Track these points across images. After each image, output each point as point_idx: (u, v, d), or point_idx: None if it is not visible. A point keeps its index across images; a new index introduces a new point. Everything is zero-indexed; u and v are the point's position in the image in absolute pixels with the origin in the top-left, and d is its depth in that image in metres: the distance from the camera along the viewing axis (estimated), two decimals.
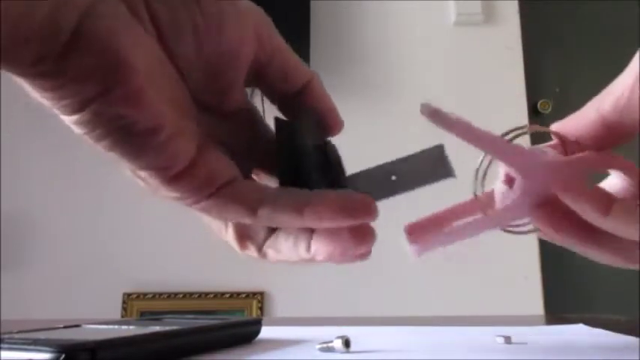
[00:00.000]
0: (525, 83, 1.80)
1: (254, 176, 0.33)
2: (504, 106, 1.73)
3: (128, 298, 1.65)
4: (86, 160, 1.54)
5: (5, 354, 0.29)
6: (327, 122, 0.32)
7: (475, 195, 0.34)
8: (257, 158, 0.33)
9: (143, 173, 0.27)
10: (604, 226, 0.29)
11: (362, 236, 0.30)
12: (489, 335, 0.41)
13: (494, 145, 0.32)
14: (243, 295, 1.66)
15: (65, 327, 0.38)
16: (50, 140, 1.58)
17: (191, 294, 1.66)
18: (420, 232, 0.35)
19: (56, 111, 0.25)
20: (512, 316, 0.75)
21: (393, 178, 0.32)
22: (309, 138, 0.31)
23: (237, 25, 0.28)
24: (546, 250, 1.70)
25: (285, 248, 0.31)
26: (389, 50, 1.78)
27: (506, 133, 0.32)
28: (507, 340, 0.39)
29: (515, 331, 0.41)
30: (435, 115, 0.30)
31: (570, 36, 2.01)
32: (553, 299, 1.68)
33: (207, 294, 1.66)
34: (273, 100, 0.33)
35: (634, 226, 0.29)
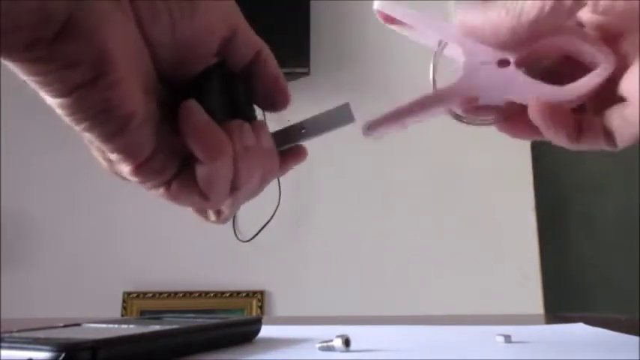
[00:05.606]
0: None
1: None
2: None
3: (128, 297, 1.65)
4: (87, 160, 1.53)
5: (5, 353, 0.29)
6: (273, 87, 0.35)
7: (434, 82, 0.35)
8: None
9: (114, 156, 0.29)
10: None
11: None
12: (490, 334, 0.41)
13: (430, 24, 0.34)
14: (243, 295, 1.66)
15: (65, 326, 0.38)
16: (51, 140, 1.58)
17: (191, 293, 1.66)
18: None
19: (42, 93, 0.27)
20: (512, 315, 0.75)
21: (303, 131, 0.35)
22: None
23: (208, 6, 0.31)
24: (546, 250, 1.70)
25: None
26: (389, 50, 1.78)
27: None
28: (507, 339, 0.39)
29: (515, 330, 0.41)
30: (388, 6, 0.33)
31: None
32: (553, 299, 1.68)
33: (207, 293, 1.66)
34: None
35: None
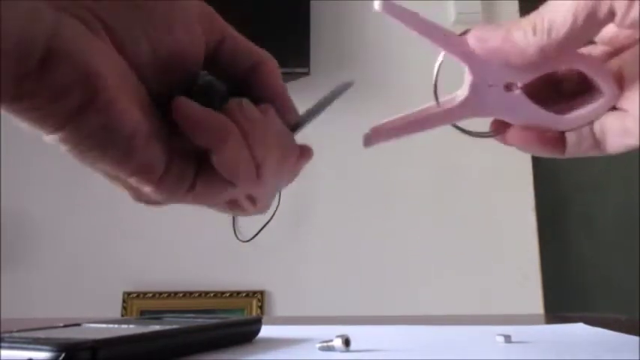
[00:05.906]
0: None
1: None
2: None
3: (128, 297, 1.65)
4: None
5: (5, 353, 0.29)
6: (277, 104, 0.33)
7: (436, 96, 0.35)
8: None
9: (132, 180, 0.29)
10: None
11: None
12: (490, 334, 0.41)
13: (437, 36, 0.33)
14: (243, 294, 1.66)
15: (65, 326, 0.38)
16: None
17: (191, 293, 1.66)
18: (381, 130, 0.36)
19: (42, 133, 0.27)
20: (512, 315, 0.75)
21: (308, 117, 0.35)
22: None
23: (184, 22, 0.30)
24: (546, 250, 1.70)
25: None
26: (389, 50, 1.78)
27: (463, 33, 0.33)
28: (507, 339, 0.39)
29: (515, 330, 0.41)
30: (389, 7, 0.32)
31: None
32: (553, 299, 1.68)
33: (207, 293, 1.66)
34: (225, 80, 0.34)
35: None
